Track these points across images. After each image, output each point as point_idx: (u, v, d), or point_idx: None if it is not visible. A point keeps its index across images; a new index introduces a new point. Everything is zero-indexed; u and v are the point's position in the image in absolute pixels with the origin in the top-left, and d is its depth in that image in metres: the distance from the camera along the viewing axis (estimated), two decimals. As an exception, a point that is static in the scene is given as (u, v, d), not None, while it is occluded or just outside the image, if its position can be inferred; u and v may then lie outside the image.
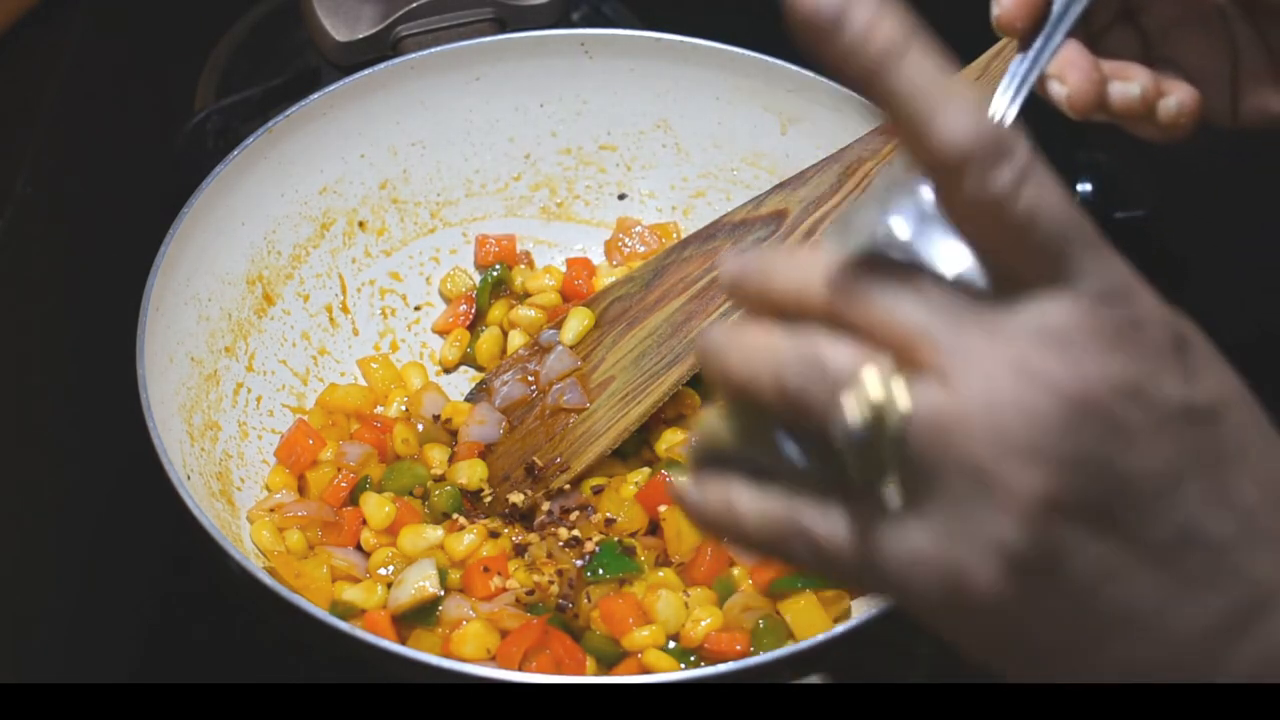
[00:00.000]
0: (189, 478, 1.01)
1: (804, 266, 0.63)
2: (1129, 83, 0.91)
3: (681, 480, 0.67)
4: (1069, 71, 0.90)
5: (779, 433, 0.64)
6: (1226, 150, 0.97)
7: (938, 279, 0.60)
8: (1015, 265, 0.59)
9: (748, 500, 0.64)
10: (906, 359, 0.59)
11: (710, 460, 0.67)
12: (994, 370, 0.58)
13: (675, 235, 1.24)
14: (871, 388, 0.59)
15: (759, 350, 0.63)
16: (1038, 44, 0.89)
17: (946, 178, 0.58)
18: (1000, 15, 0.89)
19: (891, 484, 0.60)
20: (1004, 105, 0.90)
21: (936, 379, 0.58)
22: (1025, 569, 0.59)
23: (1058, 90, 0.90)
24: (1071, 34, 0.90)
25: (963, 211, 0.59)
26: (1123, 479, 0.59)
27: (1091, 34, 0.93)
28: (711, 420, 0.67)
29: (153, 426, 0.98)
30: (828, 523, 0.62)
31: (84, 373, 1.22)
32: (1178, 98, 0.91)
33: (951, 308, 0.59)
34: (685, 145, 1.25)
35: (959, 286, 0.60)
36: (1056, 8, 0.89)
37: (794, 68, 1.19)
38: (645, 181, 1.26)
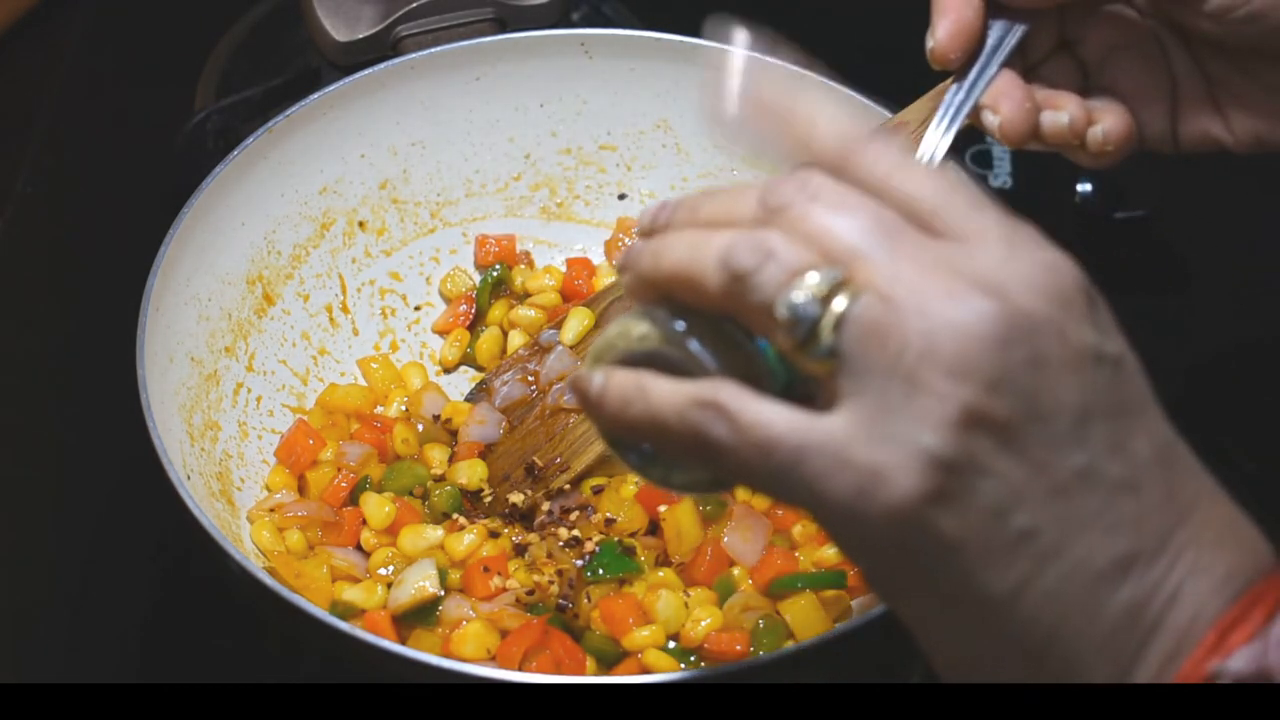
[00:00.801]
0: (189, 478, 1.01)
1: (734, 192, 0.68)
2: (1059, 111, 0.93)
3: (580, 371, 0.70)
4: (1001, 102, 0.92)
5: (689, 340, 0.67)
6: (1216, 151, 0.98)
7: (867, 211, 0.64)
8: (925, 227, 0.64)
9: (663, 383, 0.67)
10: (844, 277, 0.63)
11: (611, 362, 0.69)
12: (928, 293, 0.62)
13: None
14: (818, 279, 0.63)
15: (702, 242, 0.66)
16: (972, 75, 0.91)
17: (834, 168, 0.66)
18: (935, 48, 0.91)
19: (823, 373, 0.63)
20: (938, 136, 0.92)
21: (874, 294, 0.62)
22: (942, 478, 0.62)
23: (990, 120, 0.92)
24: (1007, 65, 0.91)
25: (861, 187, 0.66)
26: (1039, 407, 0.63)
27: (1030, 64, 0.94)
28: (614, 328, 0.70)
29: (153, 426, 0.98)
30: (752, 405, 0.64)
31: (84, 373, 1.22)
32: (1104, 126, 0.93)
33: (883, 234, 0.64)
34: (685, 145, 1.25)
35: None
36: (991, 40, 0.91)
37: (794, 68, 1.19)
38: (645, 181, 1.26)
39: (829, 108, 0.68)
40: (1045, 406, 0.63)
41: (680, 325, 0.68)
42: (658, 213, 0.70)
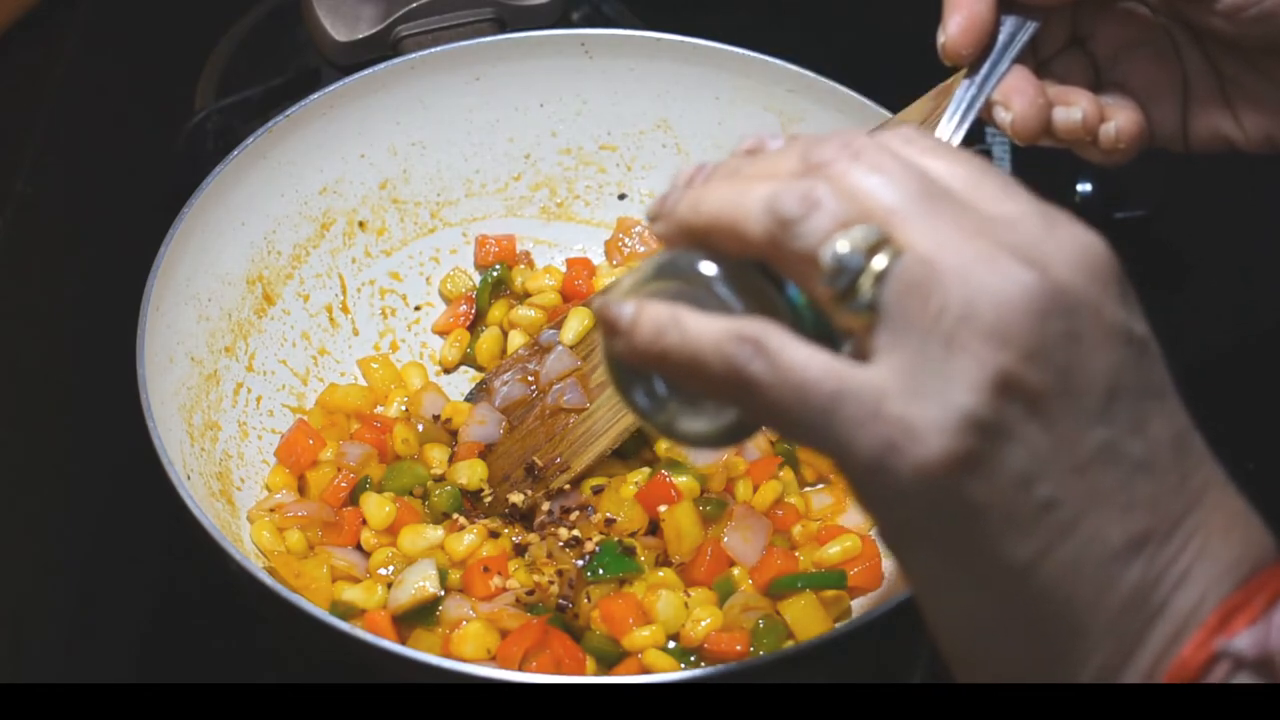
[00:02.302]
0: (189, 478, 1.01)
1: (774, 152, 0.68)
2: (1071, 108, 0.92)
3: (607, 299, 0.69)
4: (1014, 98, 0.91)
5: (719, 283, 0.67)
6: (1226, 150, 0.98)
7: (910, 173, 0.65)
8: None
9: (699, 317, 0.67)
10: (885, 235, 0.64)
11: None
12: (970, 259, 0.63)
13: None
14: (864, 233, 0.63)
15: (745, 190, 0.66)
16: (983, 71, 0.91)
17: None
18: (947, 43, 0.91)
19: (859, 327, 0.64)
20: (949, 131, 0.91)
21: (916, 254, 0.63)
22: (973, 440, 0.62)
23: (1003, 116, 0.92)
24: (1019, 60, 0.91)
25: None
26: (1071, 381, 0.63)
27: (1041, 60, 0.94)
28: (641, 268, 0.69)
29: (153, 426, 0.98)
30: (792, 345, 0.64)
31: (84, 373, 1.23)
32: (1117, 123, 0.93)
33: (926, 197, 0.64)
34: (685, 145, 1.25)
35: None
36: (1002, 36, 0.91)
37: (794, 68, 1.19)
38: (645, 181, 1.26)
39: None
40: (1076, 381, 0.63)
41: (712, 268, 0.68)
42: (695, 171, 0.70)
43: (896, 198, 0.64)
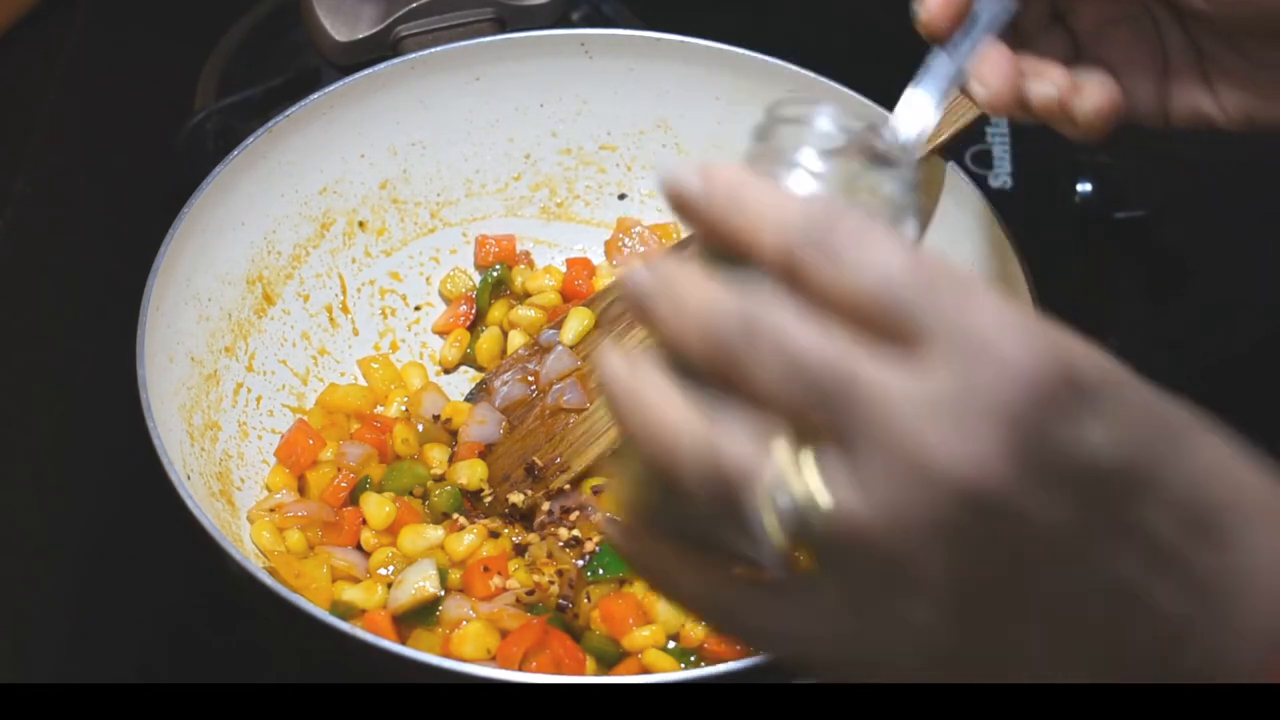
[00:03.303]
0: (189, 478, 1.01)
1: (688, 316, 0.62)
2: (1044, 81, 0.91)
3: (611, 525, 0.68)
4: (988, 72, 0.90)
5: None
6: (1226, 150, 0.98)
7: (809, 365, 0.59)
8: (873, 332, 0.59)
9: (682, 558, 0.67)
10: (802, 429, 0.60)
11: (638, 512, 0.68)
12: (890, 497, 0.58)
13: (675, 235, 1.24)
14: (788, 503, 0.60)
15: (660, 432, 0.62)
16: (959, 44, 0.90)
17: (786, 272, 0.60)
18: (926, 19, 0.90)
19: (796, 565, 0.62)
20: (927, 106, 0.90)
21: (836, 453, 0.59)
22: (943, 651, 0.62)
23: (977, 89, 0.91)
24: (998, 36, 0.90)
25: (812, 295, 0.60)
26: (1024, 552, 0.59)
27: (1022, 36, 0.94)
28: (633, 476, 0.68)
29: (153, 426, 0.98)
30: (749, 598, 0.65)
31: (84, 373, 1.22)
32: (1093, 99, 0.92)
33: (830, 375, 0.59)
34: (685, 145, 1.25)
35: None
36: (984, 15, 0.90)
37: (794, 68, 1.19)
38: (645, 181, 1.26)
39: (783, 195, 0.63)
40: (1030, 550, 0.60)
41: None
42: (638, 293, 0.64)
43: (795, 405, 0.59)
